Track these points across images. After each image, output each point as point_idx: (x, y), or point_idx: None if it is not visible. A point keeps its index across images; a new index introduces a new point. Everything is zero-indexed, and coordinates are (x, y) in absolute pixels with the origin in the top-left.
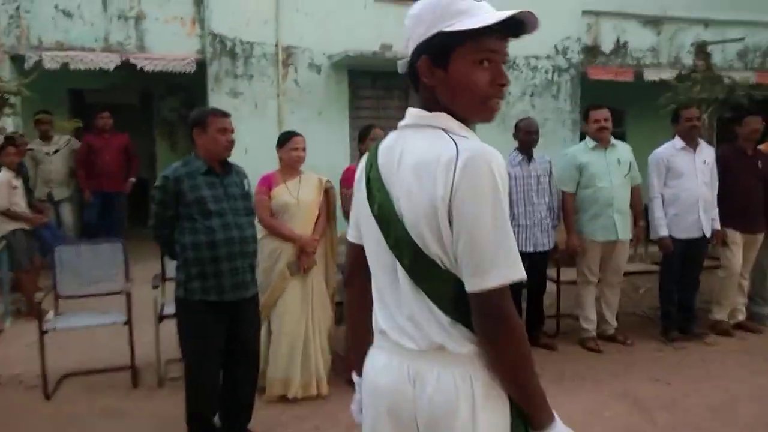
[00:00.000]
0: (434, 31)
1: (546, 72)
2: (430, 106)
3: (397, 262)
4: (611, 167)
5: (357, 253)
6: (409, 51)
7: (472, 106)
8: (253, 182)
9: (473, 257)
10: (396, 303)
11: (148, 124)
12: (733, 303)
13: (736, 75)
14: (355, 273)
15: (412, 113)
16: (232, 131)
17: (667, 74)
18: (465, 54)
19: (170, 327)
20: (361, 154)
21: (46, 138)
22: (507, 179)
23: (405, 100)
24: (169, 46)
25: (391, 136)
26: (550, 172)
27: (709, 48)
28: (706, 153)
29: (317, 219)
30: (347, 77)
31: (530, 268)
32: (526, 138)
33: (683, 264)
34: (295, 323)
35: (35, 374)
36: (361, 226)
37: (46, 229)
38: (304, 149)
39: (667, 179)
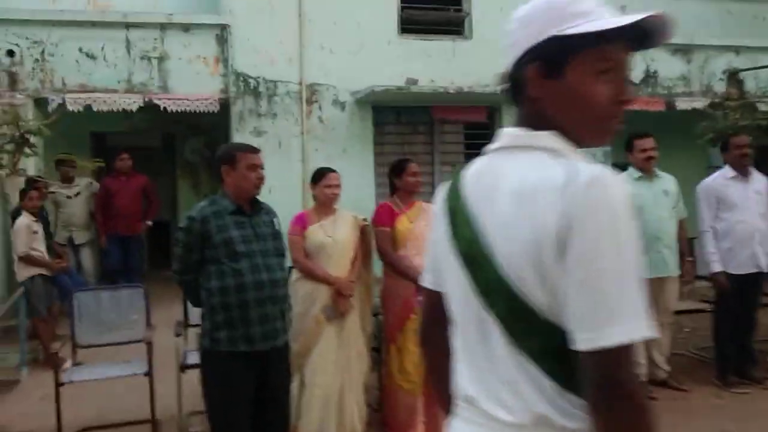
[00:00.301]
0: (547, 35)
1: None
2: (534, 123)
3: (489, 312)
4: (658, 199)
5: (435, 301)
6: (511, 59)
7: (588, 125)
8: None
9: (588, 305)
10: (487, 362)
11: (171, 166)
12: None
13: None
14: (432, 326)
15: (509, 133)
16: (262, 167)
17: (700, 103)
18: (585, 62)
19: (192, 377)
20: (396, 190)
21: (67, 180)
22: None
23: (431, 135)
24: (193, 86)
25: (481, 162)
26: None
27: (742, 75)
28: (759, 182)
29: (353, 260)
30: (371, 113)
31: None
32: None
33: (739, 302)
34: (330, 374)
35: (51, 429)
36: (443, 270)
37: (65, 274)
38: (339, 186)
39: (718, 211)
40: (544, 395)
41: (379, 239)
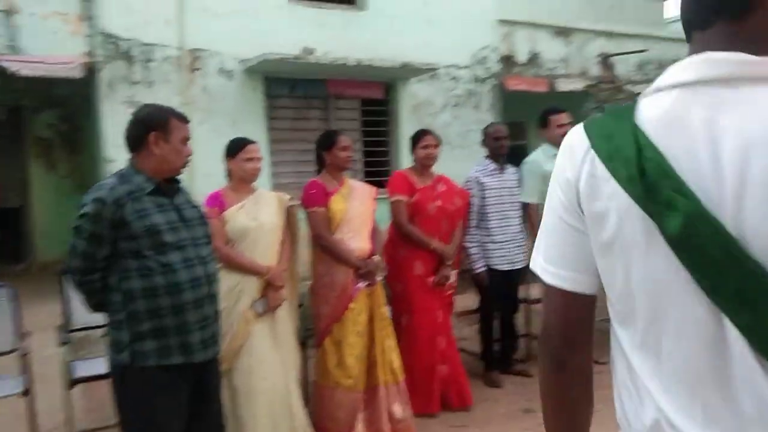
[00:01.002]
0: None
1: (466, 82)
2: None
3: (731, 322)
4: None
5: (578, 308)
6: None
7: None
8: None
9: None
10: (720, 393)
11: (17, 144)
12: None
13: (635, 86)
14: (575, 344)
15: (727, 59)
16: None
17: (578, 84)
18: None
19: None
20: (325, 166)
21: None
22: None
23: (326, 111)
24: (49, 47)
25: (676, 102)
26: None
27: (613, 59)
28: None
29: (281, 246)
30: (263, 84)
31: (506, 288)
32: (494, 144)
33: None
34: (270, 377)
35: None
36: (615, 261)
37: None
38: (261, 159)
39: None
40: None
41: (313, 221)
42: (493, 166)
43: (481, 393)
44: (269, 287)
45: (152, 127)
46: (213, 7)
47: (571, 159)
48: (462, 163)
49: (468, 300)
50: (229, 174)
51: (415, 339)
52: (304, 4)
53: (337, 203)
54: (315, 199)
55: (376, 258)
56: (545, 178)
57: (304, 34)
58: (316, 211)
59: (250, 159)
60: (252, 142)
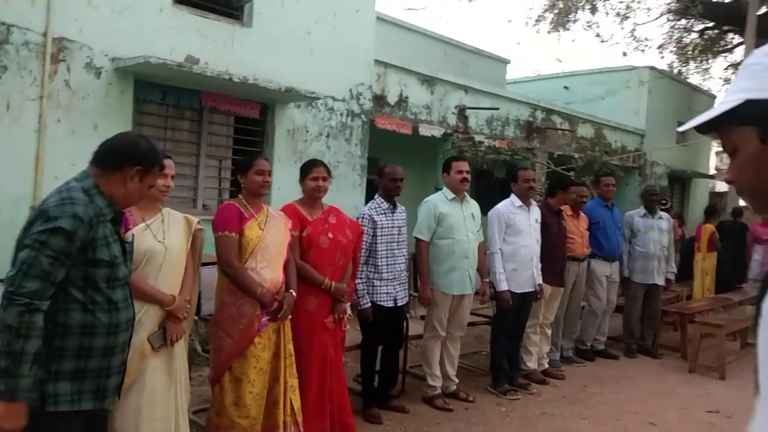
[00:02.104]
0: None
1: (341, 115)
2: None
3: None
4: (467, 221)
5: None
6: (727, 101)
7: None
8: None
9: None
10: None
11: None
12: (540, 352)
13: (485, 138)
14: None
15: None
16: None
17: (437, 131)
18: None
19: None
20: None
21: None
22: None
23: (198, 123)
24: None
25: None
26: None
27: (468, 111)
28: (536, 212)
29: (185, 272)
30: (133, 87)
31: (389, 323)
32: (391, 185)
33: (515, 317)
34: (160, 421)
35: None
36: None
37: None
38: (174, 177)
39: (506, 236)
40: None
41: (222, 246)
42: (386, 205)
43: (363, 429)
44: (169, 318)
45: (140, 162)
46: None
47: None
48: (331, 194)
49: (351, 335)
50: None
51: (308, 377)
52: (188, 11)
53: (252, 230)
54: (227, 223)
55: (289, 296)
56: (438, 219)
57: (184, 41)
58: (227, 236)
59: (163, 175)
60: (167, 157)
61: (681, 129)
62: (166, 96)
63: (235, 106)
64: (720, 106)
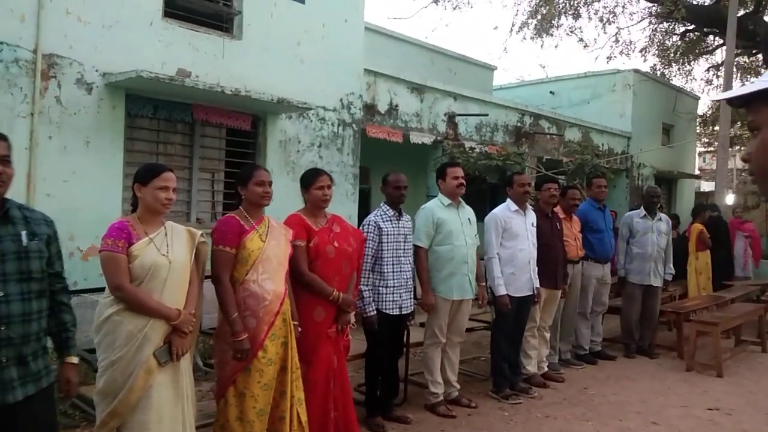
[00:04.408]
0: None
1: (333, 125)
2: None
3: None
4: (465, 226)
5: None
6: (764, 79)
7: None
8: None
9: None
10: None
11: None
12: (539, 355)
13: (475, 144)
14: None
15: None
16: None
17: (427, 138)
18: None
19: None
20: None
21: None
22: None
23: (191, 137)
24: None
25: None
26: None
27: (458, 118)
28: (532, 216)
29: (190, 286)
30: (124, 102)
31: (394, 332)
32: (395, 193)
33: (514, 321)
34: None
35: None
36: None
37: None
38: (175, 190)
39: (503, 240)
40: None
41: (219, 260)
42: (392, 212)
43: None
44: (174, 333)
45: None
46: (77, 11)
47: None
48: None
49: (353, 344)
50: (139, 202)
51: (314, 388)
52: (178, 24)
53: (253, 242)
54: (223, 237)
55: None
56: (437, 226)
57: (174, 54)
58: (224, 250)
59: (165, 188)
60: (169, 170)
61: (714, 98)
62: (158, 110)
63: (227, 118)
64: (758, 82)
